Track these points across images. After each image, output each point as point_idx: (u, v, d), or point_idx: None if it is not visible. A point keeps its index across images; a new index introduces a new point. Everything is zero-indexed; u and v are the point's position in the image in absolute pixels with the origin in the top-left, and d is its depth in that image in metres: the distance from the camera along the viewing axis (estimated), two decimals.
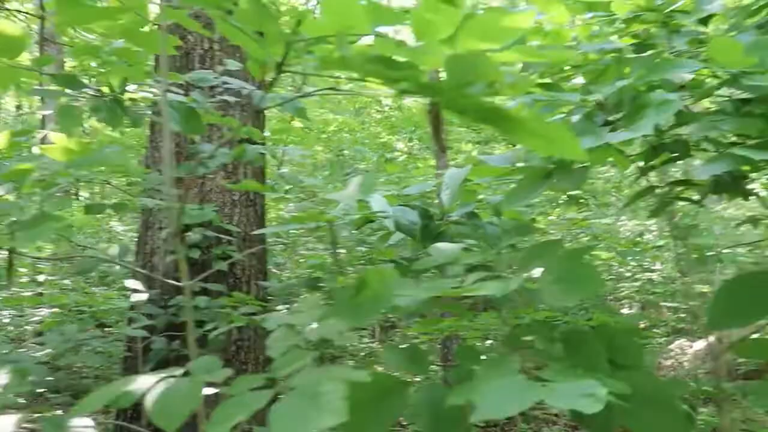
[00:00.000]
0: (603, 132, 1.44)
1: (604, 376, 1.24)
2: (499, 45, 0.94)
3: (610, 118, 1.59)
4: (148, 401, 1.00)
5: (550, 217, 6.02)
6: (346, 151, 6.98)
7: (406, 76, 0.81)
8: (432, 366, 4.30)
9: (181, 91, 2.01)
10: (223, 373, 1.08)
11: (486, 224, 2.09)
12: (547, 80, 1.97)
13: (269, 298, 3.63)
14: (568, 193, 3.79)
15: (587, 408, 0.96)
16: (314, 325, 1.27)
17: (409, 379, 1.40)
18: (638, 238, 5.69)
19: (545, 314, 2.30)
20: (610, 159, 1.82)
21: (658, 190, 2.03)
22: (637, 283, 5.91)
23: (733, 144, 1.55)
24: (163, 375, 1.08)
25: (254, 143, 2.89)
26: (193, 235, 3.37)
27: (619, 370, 1.43)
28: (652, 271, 6.42)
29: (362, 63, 0.83)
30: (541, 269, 1.41)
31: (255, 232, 3.87)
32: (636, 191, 1.91)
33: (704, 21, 1.72)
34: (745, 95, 1.54)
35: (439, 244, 1.60)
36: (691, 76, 1.55)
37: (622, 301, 6.87)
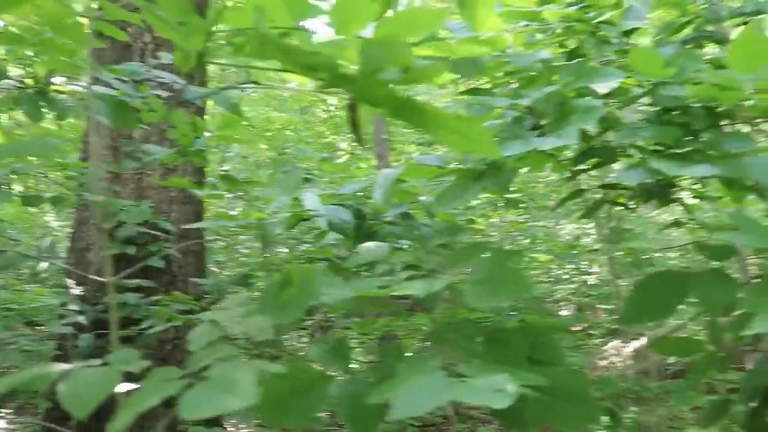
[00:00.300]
0: (531, 137, 1.47)
1: (522, 372, 1.27)
2: (416, 39, 0.96)
3: (541, 122, 1.63)
4: (61, 387, 0.99)
5: (491, 220, 6.12)
6: (289, 150, 6.95)
7: (320, 64, 0.82)
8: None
9: (124, 85, 1.98)
10: (141, 365, 1.08)
11: (420, 225, 2.11)
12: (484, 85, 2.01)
13: (206, 296, 3.60)
14: (506, 196, 3.87)
15: (497, 403, 0.98)
16: (237, 321, 1.27)
17: (336, 374, 1.41)
18: (576, 242, 5.82)
19: (478, 314, 2.34)
20: (549, 164, 1.88)
21: (587, 194, 2.09)
22: (574, 286, 6.05)
23: (655, 152, 1.61)
24: (81, 364, 1.07)
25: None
26: (124, 231, 3.31)
27: (539, 366, 1.47)
28: (589, 273, 6.58)
29: (276, 51, 0.83)
30: (470, 270, 1.44)
31: (185, 226, 3.81)
32: (565, 194, 1.96)
33: (628, 33, 1.78)
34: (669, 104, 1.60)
35: (368, 244, 1.61)
36: (617, 85, 1.60)
37: (560, 303, 7.02)
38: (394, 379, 1.20)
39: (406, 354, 1.41)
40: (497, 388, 1.04)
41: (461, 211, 3.13)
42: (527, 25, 2.03)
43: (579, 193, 1.89)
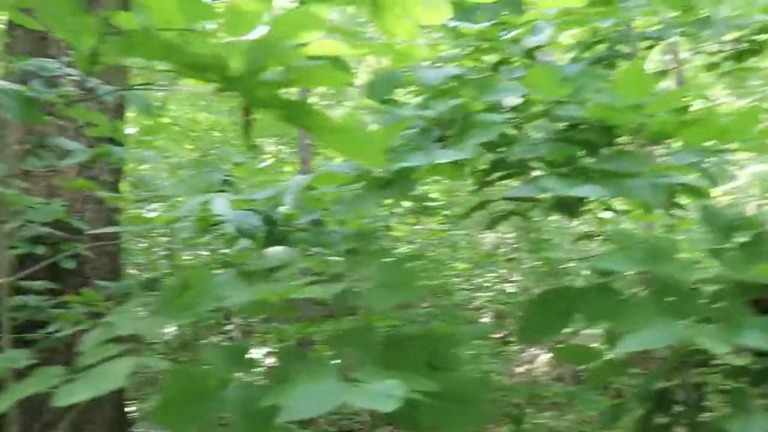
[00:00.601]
0: (434, 148, 1.51)
1: (417, 377, 1.31)
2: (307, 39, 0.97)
3: (447, 134, 1.68)
4: None
5: (416, 227, 6.18)
6: (213, 152, 6.85)
7: (208, 65, 0.83)
8: None
9: (35, 79, 1.92)
10: (26, 362, 1.08)
11: (330, 231, 2.13)
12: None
13: (116, 298, 3.51)
14: (425, 204, 3.92)
15: (385, 407, 1.01)
16: (131, 323, 1.26)
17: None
18: (494, 251, 5.95)
19: (388, 321, 2.37)
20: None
21: (498, 204, 2.15)
22: (492, 293, 6.18)
23: (557, 167, 1.67)
24: None
25: (115, 141, 2.79)
26: (31, 230, 3.19)
27: (438, 371, 1.51)
28: (509, 281, 6.72)
29: (161, 51, 0.84)
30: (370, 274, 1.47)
31: (92, 232, 3.71)
32: (472, 205, 2.01)
33: (531, 51, 1.85)
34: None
35: (273, 248, 1.62)
36: (520, 100, 1.66)
37: (481, 310, 7.15)
38: (289, 383, 1.21)
39: (306, 358, 1.42)
40: (387, 393, 1.07)
41: (377, 218, 3.16)
42: (442, 37, 2.08)
43: (485, 204, 1.94)
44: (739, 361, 2.14)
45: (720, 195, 7.74)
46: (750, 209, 6.84)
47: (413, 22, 2.06)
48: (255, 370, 1.49)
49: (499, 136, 1.52)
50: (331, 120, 0.92)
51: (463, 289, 6.69)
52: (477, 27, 2.14)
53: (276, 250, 1.63)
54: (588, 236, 3.11)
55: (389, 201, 2.20)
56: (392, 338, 1.54)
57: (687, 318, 1.19)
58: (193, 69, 0.85)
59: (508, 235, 6.90)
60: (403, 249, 5.32)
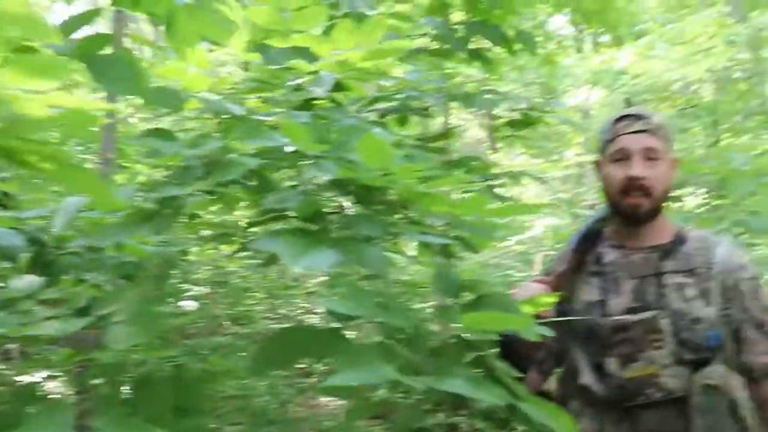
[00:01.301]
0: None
1: (164, 424, 1.31)
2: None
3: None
4: None
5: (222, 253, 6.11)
6: None
7: None
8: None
9: None
10: None
11: (106, 257, 2.07)
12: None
13: None
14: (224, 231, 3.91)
15: None
16: None
17: None
18: (295, 282, 6.02)
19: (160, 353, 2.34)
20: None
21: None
22: (293, 324, 6.24)
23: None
24: None
25: None
26: None
27: (185, 416, 1.52)
28: (315, 313, 6.83)
29: None
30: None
31: None
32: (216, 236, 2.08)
33: (309, 101, 1.95)
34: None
35: (21, 278, 1.55)
36: (291, 148, 1.72)
37: None
38: (19, 428, 1.16)
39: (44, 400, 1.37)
40: None
41: (171, 244, 3.10)
42: (230, 73, 2.13)
43: (227, 236, 2.01)
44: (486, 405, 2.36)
45: (514, 244, 8.39)
46: (537, 259, 7.49)
47: (204, 49, 2.09)
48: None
49: (262, 182, 1.58)
50: (55, 154, 0.92)
51: (268, 318, 6.69)
52: (269, 68, 2.21)
53: (21, 280, 1.56)
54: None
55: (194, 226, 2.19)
56: (141, 378, 1.53)
57: (403, 363, 1.30)
58: None
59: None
60: (202, 275, 5.25)
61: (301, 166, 1.76)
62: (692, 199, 5.50)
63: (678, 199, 5.32)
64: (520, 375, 1.46)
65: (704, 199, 5.19)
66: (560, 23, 14.49)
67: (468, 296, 1.52)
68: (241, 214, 2.16)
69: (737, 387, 1.73)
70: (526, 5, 3.01)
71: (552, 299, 1.67)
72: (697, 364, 1.74)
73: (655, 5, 15.10)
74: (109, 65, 1.51)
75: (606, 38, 14.06)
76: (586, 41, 15.37)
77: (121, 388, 1.56)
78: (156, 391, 1.48)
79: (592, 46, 14.94)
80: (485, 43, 2.98)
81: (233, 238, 2.28)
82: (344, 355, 1.26)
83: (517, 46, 2.61)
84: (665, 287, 1.80)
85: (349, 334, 1.40)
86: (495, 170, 2.99)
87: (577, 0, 10.18)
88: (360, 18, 2.06)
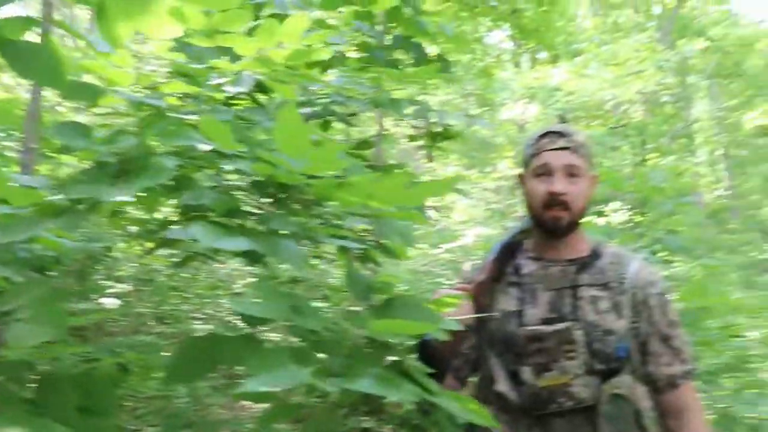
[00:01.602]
0: (107, 185, 1.47)
1: (69, 423, 1.27)
2: None
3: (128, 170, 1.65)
4: None
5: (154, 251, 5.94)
6: None
7: None
8: None
9: None
10: None
11: (19, 249, 1.99)
12: None
13: None
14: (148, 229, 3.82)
15: None
16: None
17: None
18: (221, 282, 5.92)
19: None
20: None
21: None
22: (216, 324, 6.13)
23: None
24: None
25: None
26: None
27: (90, 416, 1.47)
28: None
29: None
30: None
31: None
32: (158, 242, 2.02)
33: (230, 99, 1.93)
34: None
35: None
36: (209, 147, 1.68)
37: None
38: None
39: None
40: None
41: (93, 239, 3.01)
42: (154, 71, 2.08)
43: (170, 242, 1.95)
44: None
45: (444, 252, 8.47)
46: (466, 267, 7.55)
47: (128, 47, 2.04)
48: None
49: (179, 180, 1.55)
50: None
51: (194, 318, 6.55)
52: (193, 66, 2.17)
53: None
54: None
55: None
56: (45, 377, 1.48)
57: (319, 366, 1.30)
58: None
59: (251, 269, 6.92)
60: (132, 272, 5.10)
61: (219, 165, 1.74)
62: (618, 215, 5.67)
63: (603, 214, 5.47)
64: (438, 379, 1.48)
65: (629, 215, 5.36)
66: (499, 37, 14.80)
67: (380, 298, 1.52)
68: (169, 211, 2.12)
69: (642, 397, 1.80)
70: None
71: (458, 300, 1.72)
72: (607, 374, 1.79)
73: (592, 26, 15.60)
74: (30, 53, 1.46)
75: (543, 55, 14.42)
76: (523, 57, 15.72)
77: (27, 386, 1.51)
78: (61, 390, 1.44)
79: (530, 62, 15.30)
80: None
81: (157, 236, 2.22)
82: (257, 360, 1.25)
83: (434, 67, 2.63)
84: (580, 300, 1.85)
85: (274, 336, 1.39)
86: (427, 179, 3.02)
87: (516, 17, 10.44)
88: (283, 18, 2.04)
